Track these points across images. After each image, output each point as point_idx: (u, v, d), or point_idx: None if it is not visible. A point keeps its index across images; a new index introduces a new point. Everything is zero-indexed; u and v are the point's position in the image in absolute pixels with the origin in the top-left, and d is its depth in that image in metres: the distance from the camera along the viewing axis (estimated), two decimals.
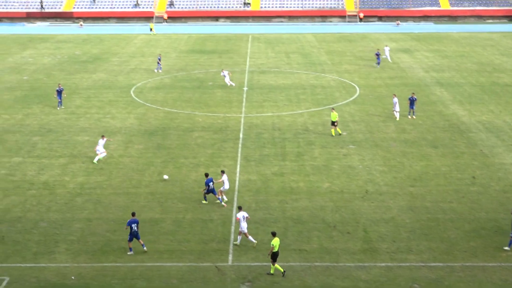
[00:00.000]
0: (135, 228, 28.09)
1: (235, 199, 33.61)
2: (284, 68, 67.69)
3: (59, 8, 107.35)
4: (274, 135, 44.29)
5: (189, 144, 42.52)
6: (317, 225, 30.70)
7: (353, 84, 59.84)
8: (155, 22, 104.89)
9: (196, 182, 35.87)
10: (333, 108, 45.32)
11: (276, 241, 26.52)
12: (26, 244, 28.93)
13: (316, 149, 41.35)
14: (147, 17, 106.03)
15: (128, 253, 28.05)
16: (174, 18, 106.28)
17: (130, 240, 28.15)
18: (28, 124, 47.22)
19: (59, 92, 51.32)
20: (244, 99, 54.12)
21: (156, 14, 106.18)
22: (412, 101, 47.93)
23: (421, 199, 33.50)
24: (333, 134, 43.90)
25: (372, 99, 53.73)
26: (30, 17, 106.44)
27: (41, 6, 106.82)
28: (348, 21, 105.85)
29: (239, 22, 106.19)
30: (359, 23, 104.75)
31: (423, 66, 67.91)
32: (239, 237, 28.84)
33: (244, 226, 28.50)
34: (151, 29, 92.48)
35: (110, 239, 29.32)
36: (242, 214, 28.68)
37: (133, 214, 28.71)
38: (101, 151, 39.33)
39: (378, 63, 66.98)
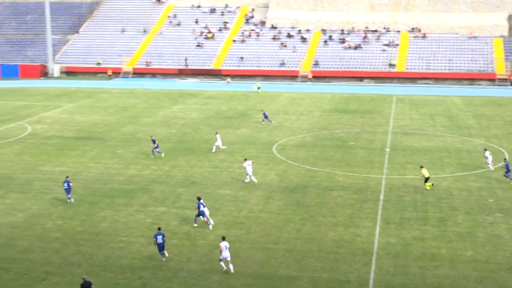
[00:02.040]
0: (161, 240, 33.12)
1: (373, 261, 32.98)
2: (428, 130, 66.39)
3: (209, 65, 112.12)
4: (416, 198, 43.26)
5: (328, 203, 42.45)
6: None
7: (501, 149, 57.54)
8: (300, 81, 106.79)
9: (334, 241, 35.61)
10: (422, 166, 46.96)
11: None
12: None
13: (459, 215, 39.91)
14: (292, 76, 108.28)
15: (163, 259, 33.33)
16: (318, 77, 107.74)
17: (160, 250, 33.30)
18: (174, 176, 49.21)
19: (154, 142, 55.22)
20: (386, 160, 53.49)
21: (301, 73, 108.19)
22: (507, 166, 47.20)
23: None
24: (428, 188, 45.10)
25: None
26: (181, 73, 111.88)
27: (185, 64, 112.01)
28: (498, 85, 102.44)
29: (383, 83, 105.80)
30: (510, 87, 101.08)
31: None
32: (222, 264, 32.00)
33: (226, 255, 31.89)
34: (258, 88, 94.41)
35: None
36: (224, 244, 32.02)
37: (159, 229, 34.24)
38: (250, 174, 45.10)
39: None
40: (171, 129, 67.41)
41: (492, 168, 50.00)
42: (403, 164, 52.37)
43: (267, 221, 38.99)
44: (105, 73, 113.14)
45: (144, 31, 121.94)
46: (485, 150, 51.60)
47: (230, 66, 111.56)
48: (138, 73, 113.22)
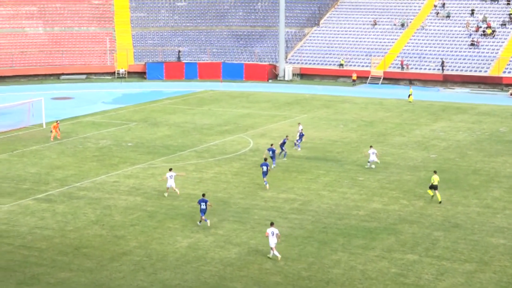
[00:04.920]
0: (204, 206, 45.65)
1: None
2: None
3: (485, 71, 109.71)
4: None
5: None
6: None
7: None
8: None
9: None
10: (435, 171, 53.31)
11: None
12: None
13: None
14: None
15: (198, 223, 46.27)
16: None
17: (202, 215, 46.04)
18: (429, 215, 48.71)
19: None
20: None
21: None
22: None
23: None
24: (431, 194, 52.05)
25: None
26: (447, 80, 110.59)
27: (441, 67, 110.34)
28: None
29: None
30: None
31: None
32: (271, 252, 40.58)
33: (272, 241, 40.34)
34: (409, 95, 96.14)
35: None
36: (271, 230, 40.55)
37: (203, 195, 46.97)
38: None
39: None
40: (429, 152, 66.88)
41: None
42: None
43: None
44: (349, 77, 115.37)
45: (402, 25, 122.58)
46: None
47: None
48: (390, 79, 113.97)
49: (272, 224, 41.32)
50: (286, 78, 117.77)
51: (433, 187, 51.67)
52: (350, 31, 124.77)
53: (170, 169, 53.53)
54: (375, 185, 56.07)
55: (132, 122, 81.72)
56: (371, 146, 62.72)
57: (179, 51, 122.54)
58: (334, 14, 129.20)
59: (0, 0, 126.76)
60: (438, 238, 44.26)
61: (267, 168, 54.74)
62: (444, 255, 41.47)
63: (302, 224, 46.69)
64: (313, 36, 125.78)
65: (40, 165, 62.32)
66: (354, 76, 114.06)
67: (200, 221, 46.51)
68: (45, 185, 56.21)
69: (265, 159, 56.24)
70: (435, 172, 53.02)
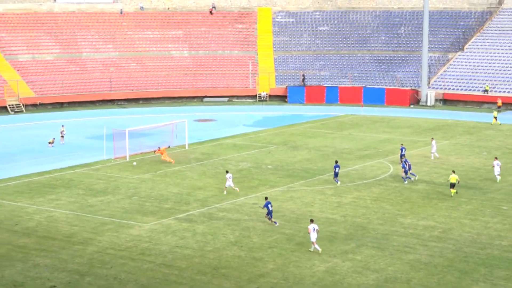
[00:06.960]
0: (271, 208, 50.62)
1: None
2: None
3: None
4: None
5: None
6: None
7: None
8: None
9: None
10: (453, 171, 59.87)
11: None
12: None
13: None
14: None
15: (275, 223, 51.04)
16: None
17: (270, 217, 51.13)
18: None
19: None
20: None
21: None
22: None
23: None
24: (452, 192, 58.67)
25: None
26: None
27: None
28: None
29: None
30: None
31: None
32: (312, 246, 45.18)
33: (313, 236, 44.93)
34: (495, 117, 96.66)
35: None
36: (312, 226, 45.16)
37: (266, 198, 52.05)
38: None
39: None
40: None
41: None
42: None
43: None
44: (494, 103, 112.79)
45: None
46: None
47: None
48: None
49: (312, 220, 46.21)
50: (429, 104, 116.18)
51: (452, 186, 58.70)
52: (496, 56, 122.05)
53: (227, 172, 61.67)
54: None
55: (272, 145, 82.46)
56: (496, 158, 66.26)
57: (303, 75, 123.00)
58: (479, 39, 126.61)
59: (148, 24, 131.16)
60: None
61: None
62: None
63: (442, 252, 45.86)
64: (457, 61, 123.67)
65: (182, 185, 63.75)
66: (499, 102, 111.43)
67: (275, 222, 51.39)
68: (186, 205, 57.45)
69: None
70: (453, 171, 59.92)
